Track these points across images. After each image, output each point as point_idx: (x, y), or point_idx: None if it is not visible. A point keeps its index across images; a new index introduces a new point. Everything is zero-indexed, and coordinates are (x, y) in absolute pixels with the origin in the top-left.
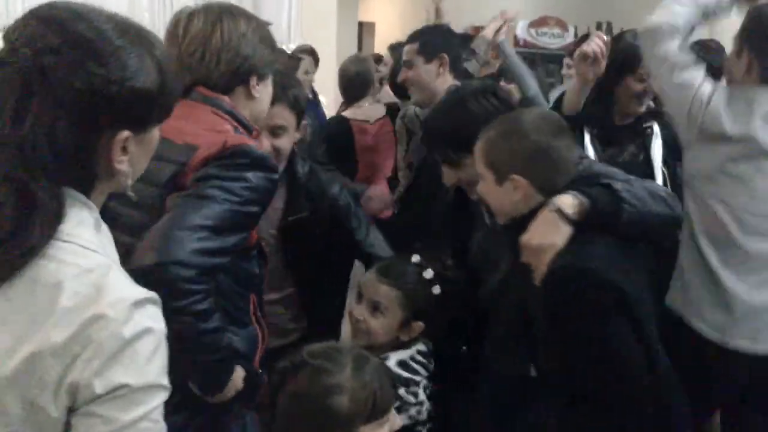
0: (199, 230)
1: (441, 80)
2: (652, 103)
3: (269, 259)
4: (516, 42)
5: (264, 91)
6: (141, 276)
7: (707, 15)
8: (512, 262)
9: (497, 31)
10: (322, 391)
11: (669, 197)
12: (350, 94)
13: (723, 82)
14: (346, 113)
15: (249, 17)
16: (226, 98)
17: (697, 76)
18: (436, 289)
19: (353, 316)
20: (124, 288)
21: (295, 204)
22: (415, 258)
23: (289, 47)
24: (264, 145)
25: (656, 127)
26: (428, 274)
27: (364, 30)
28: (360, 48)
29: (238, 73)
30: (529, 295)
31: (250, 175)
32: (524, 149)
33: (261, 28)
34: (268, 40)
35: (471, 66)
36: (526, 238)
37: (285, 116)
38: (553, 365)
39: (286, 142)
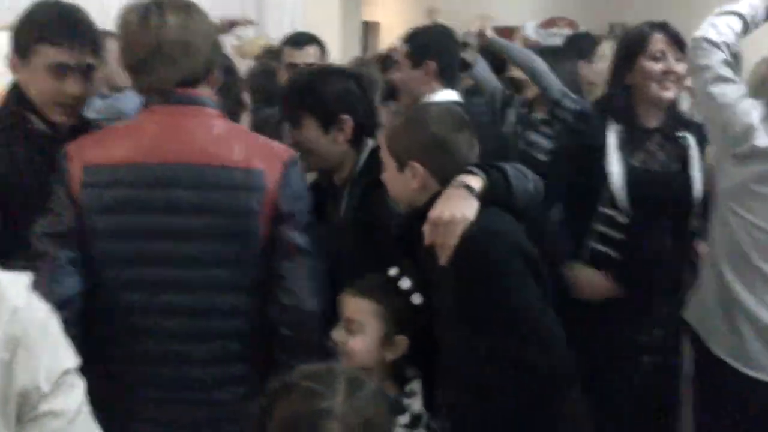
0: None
1: (426, 87)
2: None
3: None
4: (525, 44)
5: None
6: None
7: (750, 27)
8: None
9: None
10: (311, 415)
11: (529, 173)
12: None
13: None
14: None
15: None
16: (204, 92)
17: (735, 90)
18: (417, 298)
19: (332, 340)
20: (6, 277)
21: None
22: (393, 270)
23: None
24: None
25: (692, 140)
26: (405, 283)
27: (369, 30)
28: (365, 48)
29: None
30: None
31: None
32: (423, 138)
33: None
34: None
35: (468, 55)
36: (436, 214)
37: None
38: (451, 340)
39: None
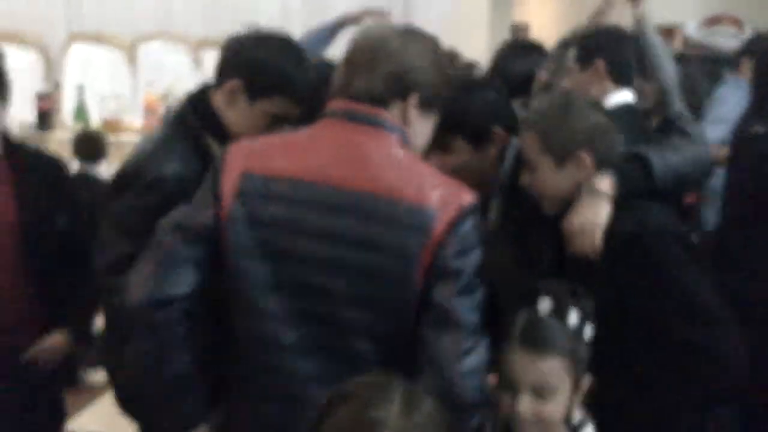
0: None
1: (598, 88)
2: None
3: None
4: (686, 44)
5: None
6: None
7: None
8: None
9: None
10: (362, 425)
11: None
12: None
13: None
14: None
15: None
16: (385, 113)
17: None
18: (589, 331)
19: (518, 414)
20: None
21: None
22: (544, 304)
23: None
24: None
25: None
26: (573, 318)
27: (519, 31)
28: None
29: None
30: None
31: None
32: (588, 125)
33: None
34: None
35: None
36: (567, 225)
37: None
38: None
39: None
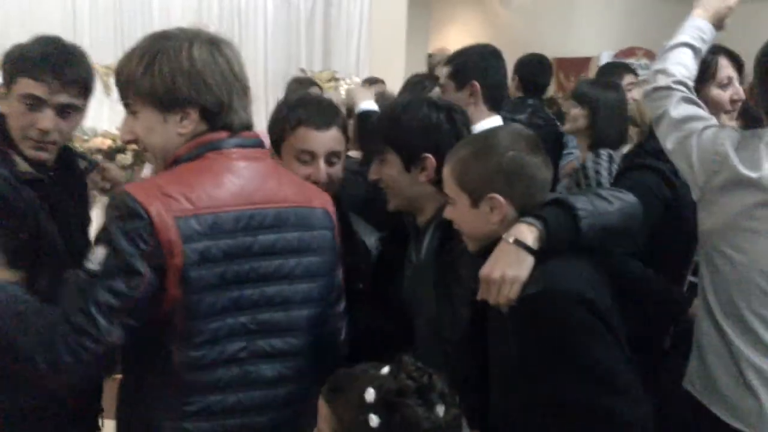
0: None
1: (474, 111)
2: None
3: None
4: None
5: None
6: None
7: (701, 49)
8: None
9: None
10: None
11: (619, 192)
12: None
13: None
14: None
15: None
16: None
17: (697, 125)
18: (373, 421)
19: None
20: None
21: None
22: (384, 370)
23: (354, 80)
24: (321, 174)
25: None
26: (369, 395)
27: (435, 62)
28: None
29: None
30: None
31: None
32: (501, 166)
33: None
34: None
35: None
36: (486, 272)
37: (340, 140)
38: (514, 403)
39: (340, 171)
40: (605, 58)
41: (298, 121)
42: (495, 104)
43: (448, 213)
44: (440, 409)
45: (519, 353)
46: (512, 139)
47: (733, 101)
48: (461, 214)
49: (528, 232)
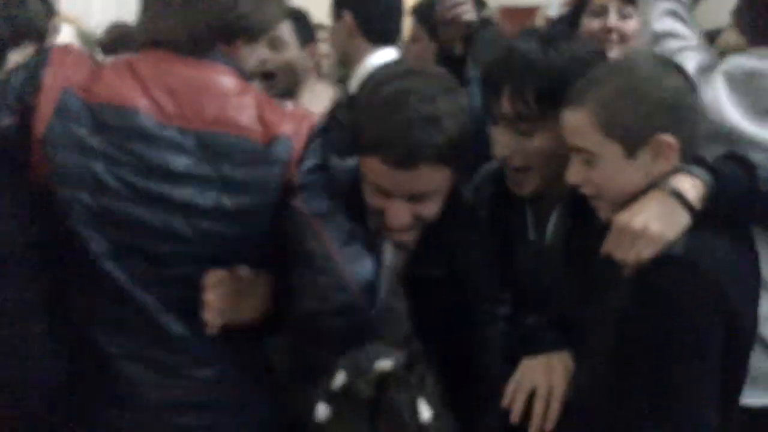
0: None
1: (350, 44)
2: None
3: None
4: (548, 22)
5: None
6: None
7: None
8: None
9: None
10: None
11: None
12: None
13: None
14: None
15: None
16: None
17: (675, 42)
18: (425, 412)
19: None
20: None
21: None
22: (339, 379)
23: None
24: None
25: None
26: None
27: None
28: None
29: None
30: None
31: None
32: (665, 99)
33: None
34: None
35: None
36: (625, 219)
37: None
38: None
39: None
40: (554, 7)
41: None
42: (381, 36)
43: (578, 175)
44: None
45: (631, 333)
46: (662, 65)
47: (605, 31)
48: (607, 171)
49: (691, 186)
